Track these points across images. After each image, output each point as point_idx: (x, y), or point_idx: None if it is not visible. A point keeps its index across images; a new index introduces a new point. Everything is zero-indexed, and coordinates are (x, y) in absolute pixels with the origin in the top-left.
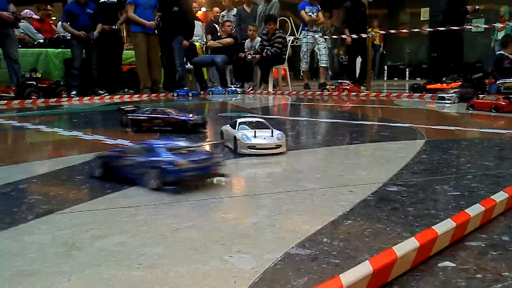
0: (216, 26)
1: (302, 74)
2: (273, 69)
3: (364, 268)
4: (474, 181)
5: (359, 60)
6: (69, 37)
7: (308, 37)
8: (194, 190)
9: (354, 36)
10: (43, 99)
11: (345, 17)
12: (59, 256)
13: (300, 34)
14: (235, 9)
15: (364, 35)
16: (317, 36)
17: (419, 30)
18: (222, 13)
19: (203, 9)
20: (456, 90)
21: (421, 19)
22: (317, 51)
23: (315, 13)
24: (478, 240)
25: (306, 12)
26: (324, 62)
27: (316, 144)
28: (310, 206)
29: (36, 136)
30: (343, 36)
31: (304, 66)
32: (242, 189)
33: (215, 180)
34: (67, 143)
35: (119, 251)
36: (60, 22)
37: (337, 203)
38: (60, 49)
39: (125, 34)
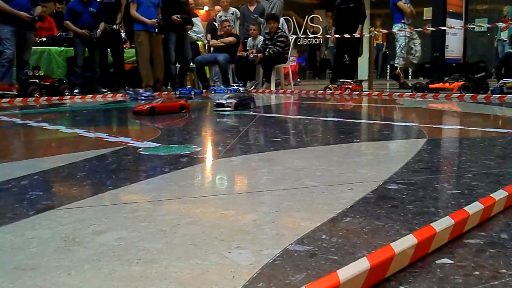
0: (216, 24)
1: (398, 71)
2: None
3: (361, 264)
4: (475, 180)
5: (360, 59)
6: (71, 36)
7: (406, 30)
8: (195, 186)
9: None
10: (46, 97)
11: (334, 15)
12: (60, 251)
13: (394, 27)
14: (231, 8)
15: (356, 35)
16: (409, 29)
17: (421, 30)
18: (219, 13)
19: (206, 8)
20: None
21: (424, 18)
22: (412, 46)
23: (408, 4)
24: (477, 238)
25: (403, 2)
26: (416, 56)
27: (318, 143)
28: (309, 203)
29: (39, 134)
30: (347, 35)
31: (401, 62)
32: (242, 186)
33: None
34: (69, 141)
35: (119, 246)
36: None
37: (337, 201)
38: (62, 48)
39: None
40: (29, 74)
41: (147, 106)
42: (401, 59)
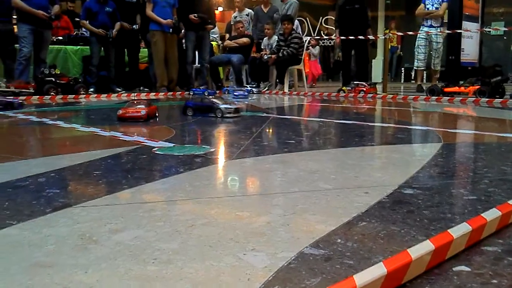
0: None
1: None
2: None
3: (378, 269)
4: (491, 186)
5: (374, 61)
6: (88, 35)
7: (422, 32)
8: (209, 187)
9: (344, 37)
10: (62, 95)
11: (337, 16)
12: (76, 248)
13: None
14: (246, 9)
15: (361, 37)
16: (433, 31)
17: (438, 33)
18: (233, 14)
19: (220, 8)
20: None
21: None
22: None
23: (434, 5)
24: (494, 245)
25: (425, 5)
26: (434, 63)
27: (331, 145)
28: (324, 206)
29: (55, 132)
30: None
31: (415, 63)
32: (256, 188)
33: None
34: (85, 139)
35: (135, 246)
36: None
37: (352, 204)
38: (78, 46)
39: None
40: (45, 73)
41: (143, 111)
42: (416, 60)
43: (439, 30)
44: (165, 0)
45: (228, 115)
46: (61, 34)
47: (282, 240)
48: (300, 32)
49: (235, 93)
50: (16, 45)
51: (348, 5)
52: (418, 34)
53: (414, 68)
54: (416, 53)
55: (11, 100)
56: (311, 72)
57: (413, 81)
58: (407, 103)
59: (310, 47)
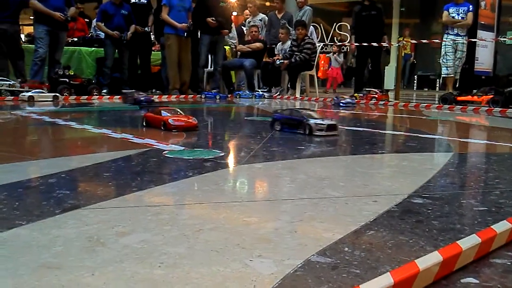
0: (244, 29)
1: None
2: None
3: (385, 280)
4: (502, 197)
5: (387, 68)
6: (102, 37)
7: (448, 39)
8: (218, 192)
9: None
10: (75, 96)
11: (353, 23)
12: (84, 250)
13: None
14: (260, 14)
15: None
16: (459, 39)
17: (452, 41)
18: (248, 19)
19: (234, 13)
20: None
21: None
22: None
23: (460, 14)
24: (504, 258)
25: (449, 13)
26: (456, 72)
27: (341, 152)
28: (332, 214)
29: (67, 132)
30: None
31: (443, 71)
32: (264, 194)
33: None
34: (96, 141)
35: (142, 249)
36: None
37: (360, 213)
38: (93, 48)
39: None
40: (59, 73)
41: (194, 119)
42: (445, 68)
43: (464, 39)
44: (181, 5)
45: (318, 133)
46: (77, 36)
47: (289, 247)
48: (315, 38)
49: (342, 101)
50: (27, 45)
51: (364, 12)
52: (444, 42)
53: (443, 75)
54: (444, 60)
55: (139, 97)
56: (333, 78)
57: (436, 90)
58: (419, 111)
59: (335, 54)
